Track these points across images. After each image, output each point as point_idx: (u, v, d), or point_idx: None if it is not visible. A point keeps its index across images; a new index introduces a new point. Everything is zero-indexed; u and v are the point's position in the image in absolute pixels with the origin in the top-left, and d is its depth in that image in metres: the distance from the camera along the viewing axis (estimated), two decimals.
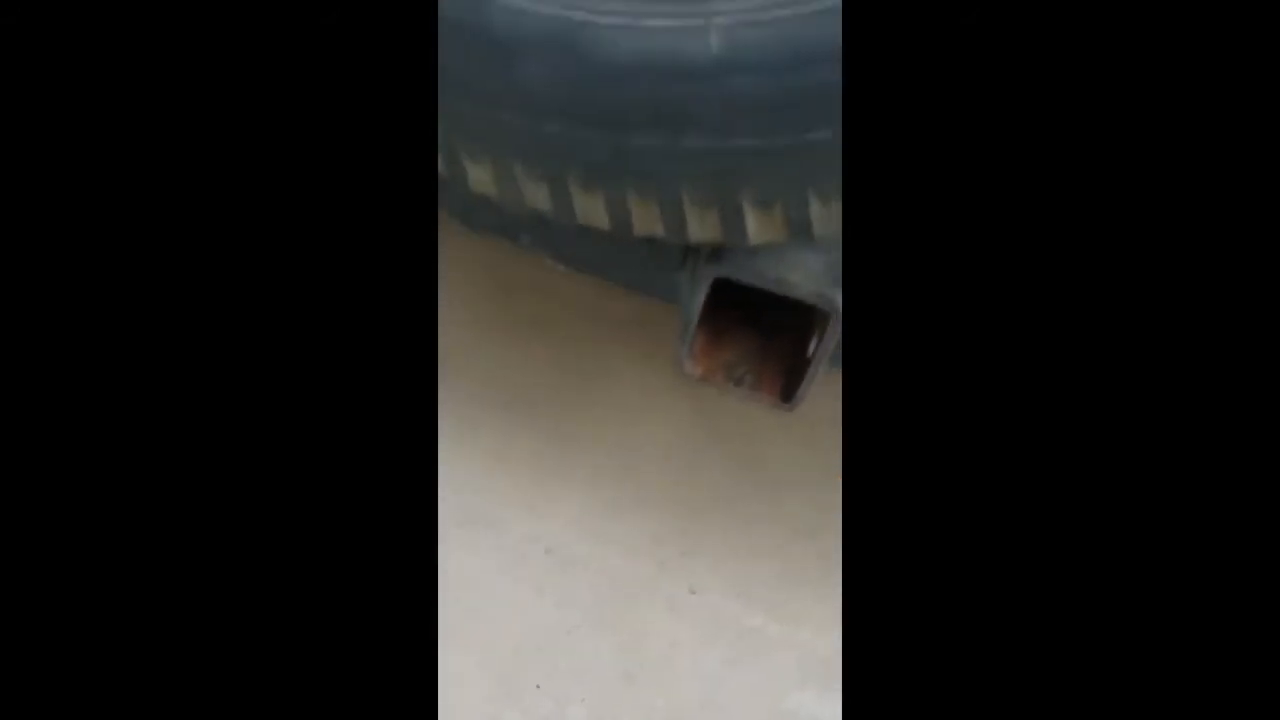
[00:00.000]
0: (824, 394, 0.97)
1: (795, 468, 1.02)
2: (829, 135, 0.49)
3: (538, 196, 0.56)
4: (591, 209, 0.55)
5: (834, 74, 0.47)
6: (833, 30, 0.47)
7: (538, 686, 0.97)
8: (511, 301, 1.10)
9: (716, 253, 0.63)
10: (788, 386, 0.72)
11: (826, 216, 0.53)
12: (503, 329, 1.08)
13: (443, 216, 0.92)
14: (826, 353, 0.67)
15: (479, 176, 0.56)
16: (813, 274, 0.63)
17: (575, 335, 1.06)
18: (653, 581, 1.01)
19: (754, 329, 0.75)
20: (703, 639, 0.99)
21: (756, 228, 0.54)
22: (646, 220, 0.55)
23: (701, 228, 0.54)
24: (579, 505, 1.02)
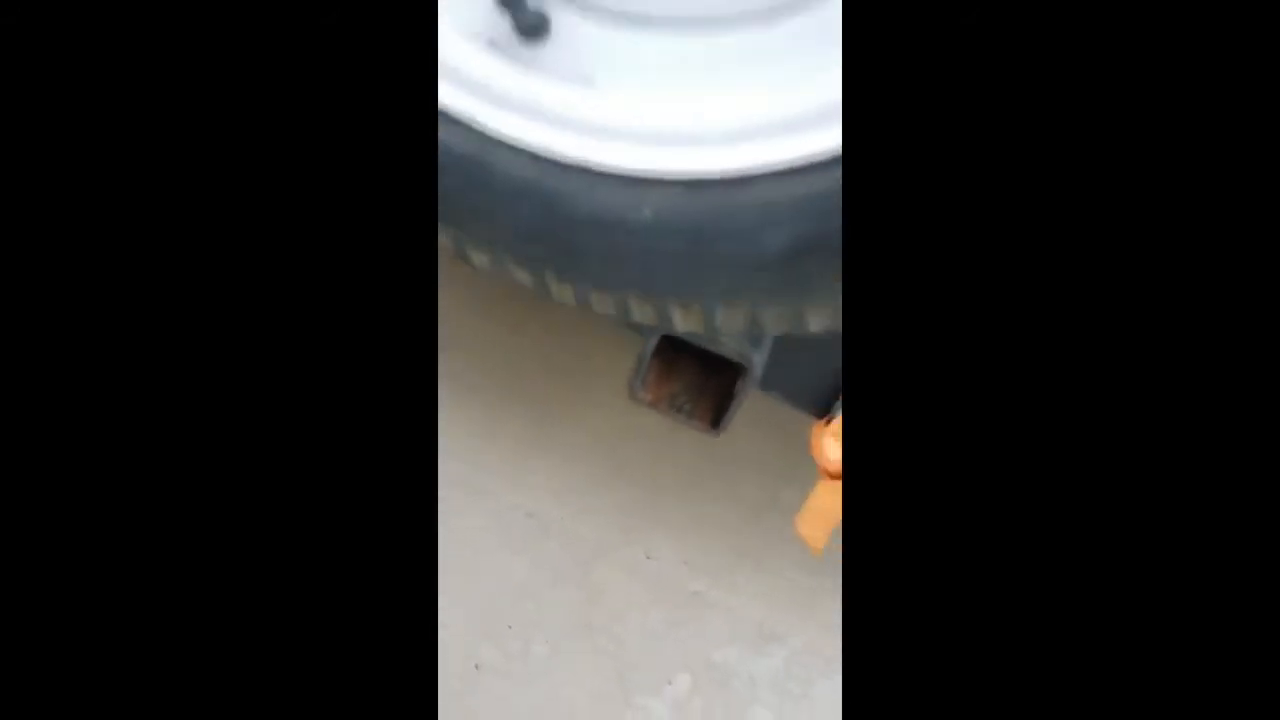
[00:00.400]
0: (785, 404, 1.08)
1: (754, 458, 1.12)
2: (726, 281, 0.65)
3: (523, 279, 0.73)
4: (563, 293, 0.72)
5: (729, 247, 0.63)
6: (728, 220, 0.63)
7: (509, 627, 1.08)
8: (514, 289, 1.19)
9: None
10: (716, 416, 0.89)
11: (731, 319, 0.69)
12: (503, 313, 1.16)
13: None
14: (746, 393, 0.84)
15: (478, 259, 0.73)
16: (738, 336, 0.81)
17: (571, 323, 1.14)
18: (616, 547, 1.11)
19: (697, 361, 0.91)
20: (653, 598, 1.10)
21: (680, 321, 0.71)
22: (603, 305, 0.72)
23: (642, 314, 0.71)
24: (559, 478, 1.11)
